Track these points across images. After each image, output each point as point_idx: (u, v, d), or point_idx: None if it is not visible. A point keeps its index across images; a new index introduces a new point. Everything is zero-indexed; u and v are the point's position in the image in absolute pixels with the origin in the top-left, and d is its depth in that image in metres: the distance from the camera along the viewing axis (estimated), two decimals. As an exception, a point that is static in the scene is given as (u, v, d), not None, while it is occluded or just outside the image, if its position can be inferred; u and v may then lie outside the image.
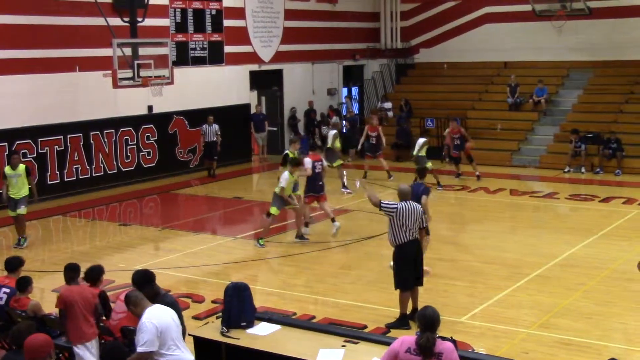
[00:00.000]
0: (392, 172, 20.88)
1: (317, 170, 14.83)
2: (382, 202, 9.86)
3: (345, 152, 25.01)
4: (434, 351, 5.85)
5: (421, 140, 19.37)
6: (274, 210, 14.16)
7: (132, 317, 7.86)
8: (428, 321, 5.95)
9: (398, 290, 10.02)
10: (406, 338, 6.06)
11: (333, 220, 14.78)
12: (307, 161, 14.68)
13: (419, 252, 10.05)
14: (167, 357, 6.42)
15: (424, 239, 10.52)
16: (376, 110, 25.85)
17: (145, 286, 7.35)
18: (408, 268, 9.88)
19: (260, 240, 14.26)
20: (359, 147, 22.49)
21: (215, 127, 21.11)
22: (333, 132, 19.39)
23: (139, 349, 6.27)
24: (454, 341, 6.91)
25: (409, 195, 10.11)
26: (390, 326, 9.88)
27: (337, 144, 19.34)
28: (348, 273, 12.62)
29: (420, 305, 7.52)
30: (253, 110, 24.35)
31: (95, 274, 8.50)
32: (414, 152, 19.31)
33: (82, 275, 8.39)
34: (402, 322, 9.93)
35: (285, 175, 13.99)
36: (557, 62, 25.94)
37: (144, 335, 6.28)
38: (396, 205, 9.77)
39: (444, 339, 6.86)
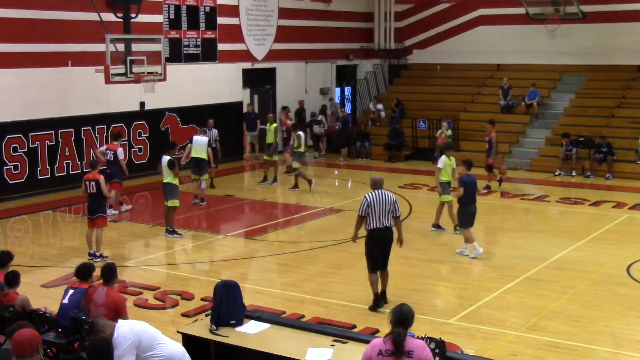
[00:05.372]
0: (384, 173, 20.89)
1: None
2: (360, 213, 10.52)
3: (337, 151, 25.11)
4: (405, 349, 5.90)
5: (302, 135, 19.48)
6: (446, 198, 14.87)
7: (115, 312, 7.86)
8: (402, 317, 6.04)
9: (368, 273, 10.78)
10: (375, 342, 6.11)
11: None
12: None
13: (389, 240, 10.63)
14: (157, 357, 6.45)
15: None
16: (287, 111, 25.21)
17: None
18: (376, 252, 10.59)
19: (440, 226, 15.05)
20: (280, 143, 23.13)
21: (215, 132, 19.69)
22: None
23: None
24: (442, 342, 6.94)
25: (380, 185, 10.63)
26: (372, 308, 10.62)
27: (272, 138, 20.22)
28: (338, 273, 12.62)
29: (415, 303, 7.48)
30: (245, 109, 24.30)
31: (86, 272, 8.49)
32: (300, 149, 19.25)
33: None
34: (377, 303, 10.68)
35: (443, 158, 14.87)
36: (549, 65, 26.00)
37: (117, 350, 6.32)
38: (366, 200, 10.41)
39: (432, 339, 6.89)
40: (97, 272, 8.63)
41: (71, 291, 8.35)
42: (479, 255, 13.22)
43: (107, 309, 7.94)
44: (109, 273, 8.25)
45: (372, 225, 10.44)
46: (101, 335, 6.46)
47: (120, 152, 16.20)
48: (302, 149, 19.32)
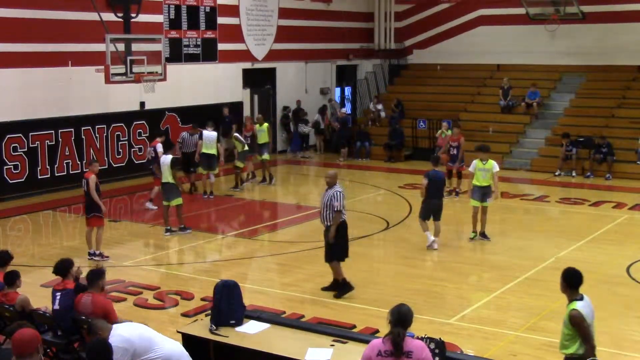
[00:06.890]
0: (383, 172, 20.88)
1: None
2: (341, 209, 10.89)
3: (337, 151, 25.10)
4: (404, 349, 5.89)
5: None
6: (475, 202, 14.56)
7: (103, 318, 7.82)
8: (401, 317, 6.02)
9: (334, 262, 11.22)
10: (375, 342, 6.10)
11: None
12: None
13: None
14: (156, 358, 6.47)
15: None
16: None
17: None
18: (346, 242, 11.28)
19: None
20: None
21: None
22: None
23: None
24: (442, 342, 6.93)
25: (336, 178, 11.24)
26: (340, 295, 11.12)
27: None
28: (338, 273, 12.61)
29: (415, 303, 7.48)
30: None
31: (64, 268, 8.43)
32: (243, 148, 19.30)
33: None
34: (346, 287, 11.22)
35: (474, 162, 14.57)
36: (549, 65, 26.00)
37: (115, 357, 6.30)
38: (344, 195, 10.99)
39: (432, 339, 6.88)
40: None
41: (58, 295, 8.21)
42: (432, 246, 13.69)
43: (95, 317, 7.87)
44: (93, 278, 7.97)
45: (344, 217, 11.10)
46: (99, 336, 6.46)
47: (159, 147, 16.68)
48: (239, 150, 19.30)
